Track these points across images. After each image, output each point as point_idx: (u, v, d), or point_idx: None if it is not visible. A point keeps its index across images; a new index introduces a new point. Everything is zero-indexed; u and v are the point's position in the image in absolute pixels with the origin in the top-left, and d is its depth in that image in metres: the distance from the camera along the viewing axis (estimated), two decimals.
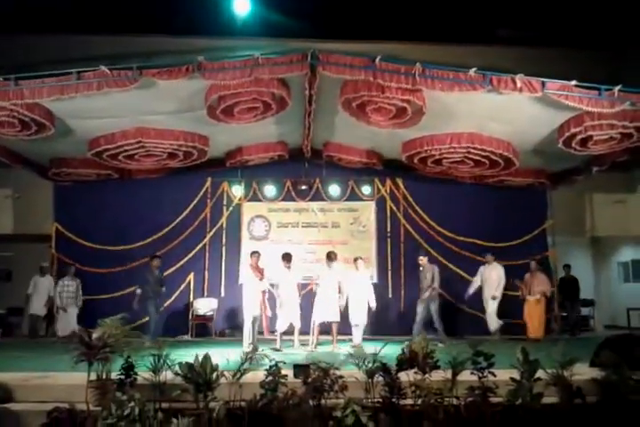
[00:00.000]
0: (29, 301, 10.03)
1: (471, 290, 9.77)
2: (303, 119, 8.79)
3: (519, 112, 7.66)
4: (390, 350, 5.06)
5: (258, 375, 4.95)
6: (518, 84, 6.85)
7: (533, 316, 9.54)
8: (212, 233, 10.86)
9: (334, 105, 7.99)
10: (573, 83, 6.91)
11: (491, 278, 9.69)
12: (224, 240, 10.94)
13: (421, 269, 9.19)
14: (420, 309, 9.03)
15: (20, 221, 11.07)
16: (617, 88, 6.85)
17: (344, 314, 8.58)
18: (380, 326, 9.88)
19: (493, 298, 9.59)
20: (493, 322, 9.59)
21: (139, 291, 8.91)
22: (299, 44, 8.71)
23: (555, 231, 10.93)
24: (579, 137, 7.66)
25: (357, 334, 8.61)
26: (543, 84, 6.90)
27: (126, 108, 7.63)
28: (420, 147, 8.72)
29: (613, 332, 8.49)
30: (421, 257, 9.26)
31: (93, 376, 5.00)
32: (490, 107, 7.58)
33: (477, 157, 8.88)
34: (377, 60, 6.87)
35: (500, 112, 7.74)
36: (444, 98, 7.32)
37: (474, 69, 6.89)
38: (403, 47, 9.62)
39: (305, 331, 8.50)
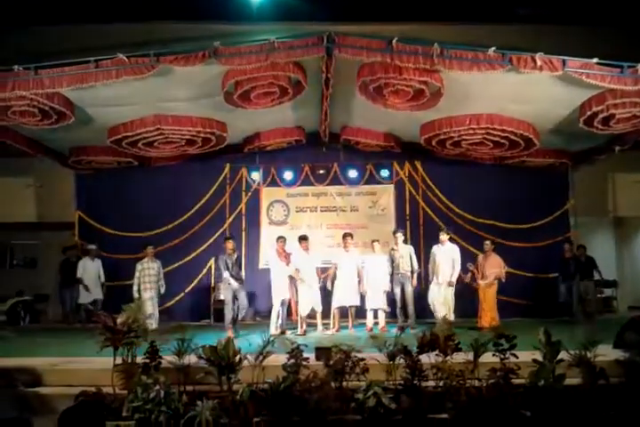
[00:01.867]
0: (76, 287, 9.93)
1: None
2: (320, 103, 8.74)
3: (539, 91, 7.52)
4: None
5: (280, 358, 5.02)
6: (538, 63, 6.70)
7: (486, 302, 8.72)
8: (231, 218, 10.92)
9: (351, 88, 7.92)
10: (595, 60, 6.75)
11: (445, 261, 8.75)
12: (244, 225, 11.01)
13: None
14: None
15: (42, 210, 11.28)
16: None
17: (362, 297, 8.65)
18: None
19: (450, 285, 8.67)
20: (449, 311, 8.53)
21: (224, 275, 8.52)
22: (314, 27, 8.60)
23: (577, 212, 10.80)
24: (601, 116, 7.50)
25: (381, 317, 8.61)
26: (564, 62, 6.75)
27: (144, 96, 7.66)
28: (438, 129, 8.63)
29: (637, 313, 8.44)
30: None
31: (119, 360, 5.12)
32: (509, 87, 7.45)
33: (497, 138, 8.77)
34: (394, 41, 6.76)
35: (520, 92, 7.61)
36: (463, 78, 7.21)
37: (493, 48, 6.76)
38: (419, 28, 9.48)
39: (327, 315, 8.59)
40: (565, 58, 6.76)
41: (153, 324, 8.52)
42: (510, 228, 10.32)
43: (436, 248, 8.99)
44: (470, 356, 4.79)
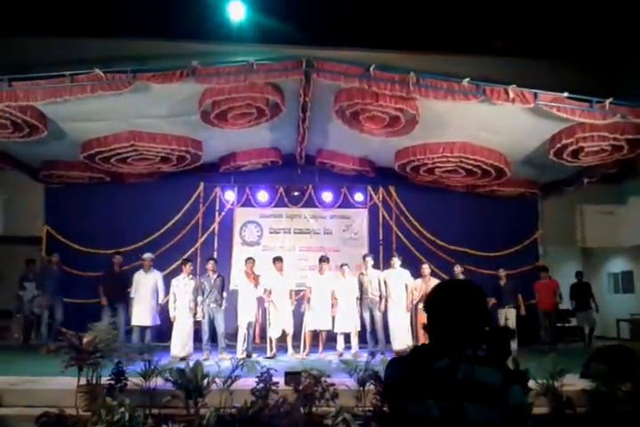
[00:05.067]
0: (129, 306, 8.81)
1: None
2: (297, 126, 8.80)
3: (511, 123, 7.73)
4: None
5: (249, 382, 4.95)
6: (511, 95, 6.91)
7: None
8: (203, 238, 10.81)
9: (328, 112, 8.01)
10: (565, 94, 6.98)
11: (397, 286, 8.74)
12: (216, 245, 10.90)
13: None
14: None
15: (9, 223, 11.00)
16: (608, 101, 6.95)
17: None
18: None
19: (407, 310, 8.70)
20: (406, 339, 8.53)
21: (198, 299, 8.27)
22: (293, 50, 8.73)
23: (545, 241, 11.00)
24: (570, 148, 7.74)
25: (354, 341, 8.54)
26: (535, 95, 6.97)
27: (119, 112, 7.61)
28: (412, 155, 8.75)
29: (603, 343, 8.56)
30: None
31: (83, 381, 4.98)
32: (482, 117, 7.64)
33: (469, 167, 8.93)
34: (371, 68, 6.90)
35: (493, 122, 7.81)
36: (438, 107, 7.38)
37: (467, 79, 6.95)
38: (397, 56, 9.66)
39: (297, 338, 8.51)
40: (537, 91, 6.98)
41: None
42: (480, 255, 10.44)
43: (387, 273, 9.01)
44: None
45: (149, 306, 8.59)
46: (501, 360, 1.48)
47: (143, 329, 8.58)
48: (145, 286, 8.68)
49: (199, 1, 10.84)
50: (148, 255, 9.04)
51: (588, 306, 10.02)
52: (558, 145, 7.72)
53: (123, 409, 4.30)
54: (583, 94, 7.10)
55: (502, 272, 9.59)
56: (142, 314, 8.52)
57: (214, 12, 10.94)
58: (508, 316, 9.30)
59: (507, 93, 6.89)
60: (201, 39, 10.33)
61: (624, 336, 10.89)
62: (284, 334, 8.42)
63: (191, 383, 4.52)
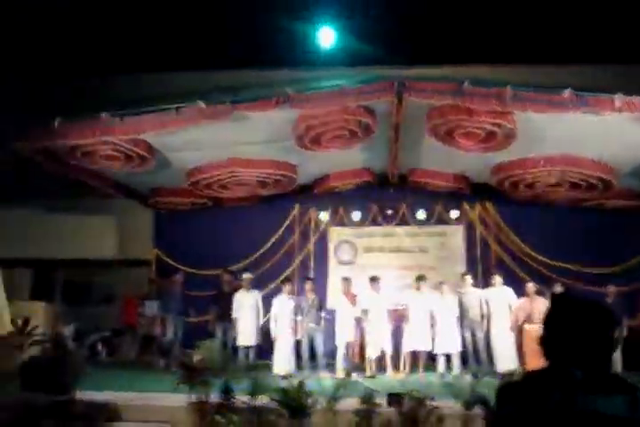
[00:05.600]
0: (229, 327, 8.95)
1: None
2: (389, 146, 8.83)
3: (618, 132, 7.32)
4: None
5: (351, 403, 4.96)
6: (617, 104, 6.54)
7: (536, 349, 8.01)
8: (300, 258, 11.03)
9: (420, 130, 7.97)
10: None
11: (501, 306, 8.49)
12: (312, 265, 11.07)
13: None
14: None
15: (121, 247, 11.80)
16: None
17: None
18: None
19: (512, 330, 8.38)
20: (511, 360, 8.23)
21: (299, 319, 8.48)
22: (383, 71, 8.77)
23: None
24: None
25: (456, 362, 8.35)
26: None
27: (219, 140, 8.01)
28: (511, 170, 8.52)
29: None
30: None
31: (193, 398, 5.21)
32: (585, 128, 7.29)
33: (574, 180, 8.55)
34: (465, 84, 6.81)
35: (597, 133, 7.42)
36: (536, 119, 7.14)
37: (568, 90, 6.67)
38: (490, 70, 9.45)
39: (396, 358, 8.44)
40: None
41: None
42: (587, 272, 9.89)
43: (488, 291, 8.75)
44: None
45: (252, 325, 8.75)
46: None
47: (246, 348, 8.76)
48: (246, 305, 8.84)
49: (289, 30, 11.22)
50: (247, 275, 9.28)
51: None
52: None
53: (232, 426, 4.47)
54: None
55: (612, 288, 8.83)
56: (246, 333, 8.69)
57: (303, 39, 11.29)
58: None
59: (612, 102, 6.54)
60: (292, 66, 10.66)
61: None
62: (382, 354, 8.38)
63: (295, 402, 4.60)
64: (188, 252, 11.02)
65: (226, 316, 8.97)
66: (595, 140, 7.65)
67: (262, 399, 5.00)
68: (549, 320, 1.54)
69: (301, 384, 4.79)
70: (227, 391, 5.05)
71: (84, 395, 5.62)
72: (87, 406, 5.35)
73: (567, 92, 6.66)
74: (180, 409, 5.13)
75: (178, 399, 5.28)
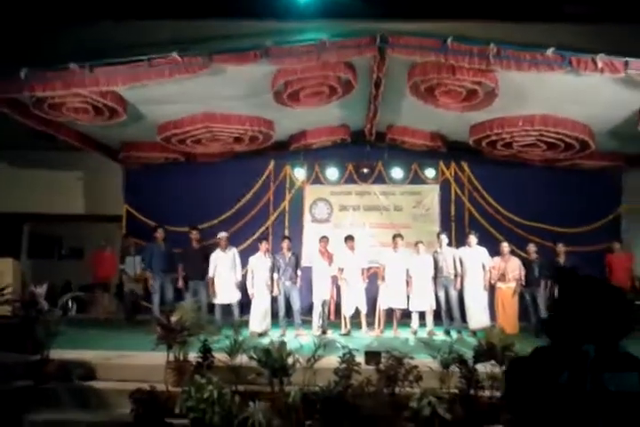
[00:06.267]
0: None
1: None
2: (368, 102, 8.65)
3: (597, 93, 7.28)
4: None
5: (331, 361, 5.01)
6: (599, 65, 6.46)
7: (508, 307, 8.43)
8: (275, 215, 10.95)
9: (401, 87, 7.81)
10: None
11: (475, 265, 8.62)
12: (287, 223, 11.02)
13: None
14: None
15: (90, 203, 11.55)
16: None
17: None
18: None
19: (485, 289, 8.58)
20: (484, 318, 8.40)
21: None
22: (365, 24, 8.46)
23: (629, 217, 10.46)
24: None
25: (429, 320, 8.50)
26: (626, 63, 6.51)
27: (194, 94, 7.70)
28: (489, 130, 8.44)
29: None
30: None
31: (171, 357, 5.19)
32: (566, 88, 7.23)
33: (551, 140, 8.53)
34: (449, 40, 6.63)
35: (577, 93, 7.37)
36: (518, 79, 7.04)
37: (552, 49, 6.55)
38: (474, 26, 9.19)
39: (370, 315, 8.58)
40: (628, 59, 6.51)
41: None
42: (559, 231, 10.07)
43: (463, 251, 8.84)
44: None
45: (231, 283, 8.69)
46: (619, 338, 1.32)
47: (227, 306, 8.72)
48: (224, 264, 8.76)
49: None
50: (222, 235, 9.13)
51: None
52: None
53: (211, 387, 4.46)
54: None
55: (561, 248, 8.88)
56: (225, 292, 8.65)
57: None
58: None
59: (594, 63, 6.45)
60: (270, 17, 10.24)
61: None
62: (357, 312, 8.48)
63: (277, 363, 4.62)
64: (159, 208, 10.81)
65: (197, 273, 8.87)
66: (575, 100, 7.61)
67: (242, 358, 5.01)
68: (559, 299, 1.49)
69: (283, 344, 4.79)
70: (205, 351, 5.04)
71: (58, 354, 5.55)
72: (61, 366, 5.29)
73: (551, 51, 6.56)
74: (158, 368, 5.12)
75: (155, 358, 5.26)
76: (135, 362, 5.60)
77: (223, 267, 8.73)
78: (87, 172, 11.50)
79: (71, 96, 7.20)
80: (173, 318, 5.08)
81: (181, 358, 5.17)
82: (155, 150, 9.85)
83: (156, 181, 10.92)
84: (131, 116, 8.06)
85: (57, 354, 5.51)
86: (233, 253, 8.93)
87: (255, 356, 4.81)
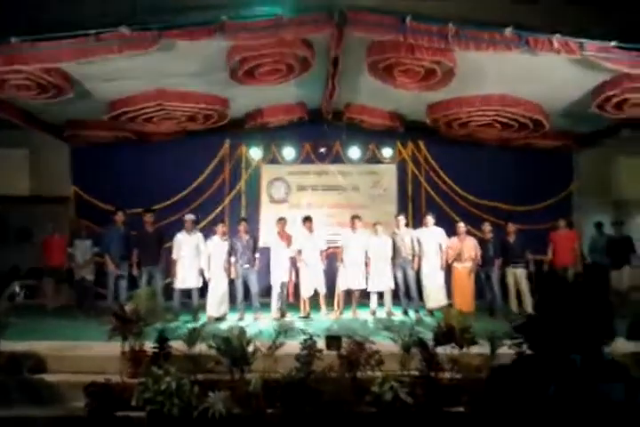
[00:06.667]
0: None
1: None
2: (326, 81, 8.48)
3: (553, 73, 7.32)
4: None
5: (291, 347, 4.95)
6: (555, 46, 6.48)
7: (464, 286, 8.45)
8: (231, 196, 10.74)
9: (359, 66, 7.66)
10: (613, 44, 6.55)
11: (432, 245, 8.68)
12: (243, 203, 10.84)
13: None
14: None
15: (37, 184, 11.04)
16: None
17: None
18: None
19: (442, 269, 8.63)
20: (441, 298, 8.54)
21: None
22: None
23: (580, 195, 10.73)
24: (615, 100, 7.37)
25: (387, 299, 8.53)
26: (581, 45, 6.54)
27: (145, 71, 7.35)
28: (446, 110, 8.44)
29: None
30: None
31: (127, 348, 5.02)
32: (523, 67, 7.24)
33: (506, 120, 8.59)
34: (407, 19, 6.50)
35: (533, 73, 7.40)
36: (476, 58, 7.00)
37: (509, 29, 6.53)
38: (432, 3, 9.13)
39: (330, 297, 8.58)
40: (583, 41, 6.54)
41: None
42: (513, 209, 10.24)
43: (420, 231, 8.88)
44: (486, 348, 4.74)
45: (194, 268, 8.35)
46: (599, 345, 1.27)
47: (185, 291, 8.43)
48: (189, 247, 8.40)
49: None
50: (189, 217, 8.72)
51: (626, 262, 9.20)
52: (602, 96, 7.34)
53: (169, 378, 4.35)
54: (631, 42, 6.66)
55: (511, 227, 8.89)
56: (187, 277, 8.34)
57: None
58: (518, 277, 8.62)
59: (551, 44, 6.46)
60: None
61: None
62: (316, 294, 8.45)
63: (237, 351, 4.52)
64: (110, 189, 10.45)
65: (150, 259, 8.50)
66: (531, 80, 7.64)
67: (200, 347, 4.90)
68: (541, 305, 1.43)
69: (243, 332, 4.70)
70: (162, 340, 4.89)
71: (8, 345, 5.30)
72: (10, 358, 5.06)
73: (509, 31, 6.54)
74: (113, 359, 4.95)
75: (110, 349, 5.08)
76: (89, 353, 5.39)
77: (186, 251, 8.38)
78: (33, 150, 10.95)
79: (13, 72, 6.75)
80: (128, 308, 4.90)
81: (137, 348, 5.01)
82: (103, 129, 9.43)
83: (106, 160, 10.50)
84: (77, 93, 7.66)
85: (5, 346, 5.24)
86: (197, 237, 8.53)
87: (214, 345, 4.69)
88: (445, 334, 4.72)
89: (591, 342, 1.39)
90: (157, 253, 8.60)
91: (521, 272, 8.65)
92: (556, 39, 6.50)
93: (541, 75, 7.44)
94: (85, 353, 5.39)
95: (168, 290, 8.56)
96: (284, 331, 4.87)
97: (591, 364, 1.36)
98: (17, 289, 9.46)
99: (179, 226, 9.09)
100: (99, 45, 6.35)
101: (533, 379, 1.39)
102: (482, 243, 8.76)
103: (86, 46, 6.38)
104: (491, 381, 1.54)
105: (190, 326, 5.10)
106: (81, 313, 8.62)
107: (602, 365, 1.39)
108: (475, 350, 4.80)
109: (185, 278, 8.32)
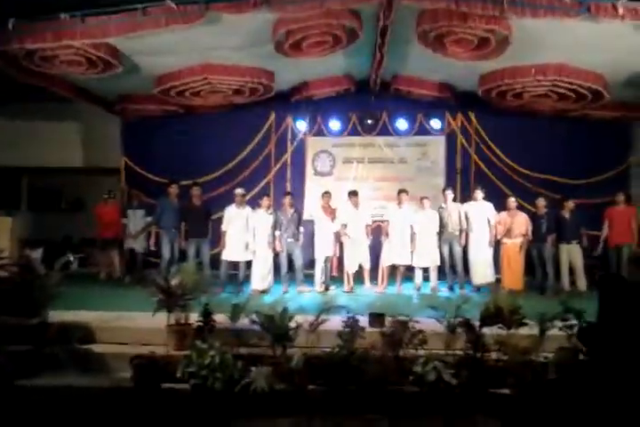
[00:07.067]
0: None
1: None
2: (373, 51, 8.25)
3: (616, 41, 6.89)
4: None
5: (334, 322, 4.95)
6: (620, 11, 6.07)
7: (513, 262, 8.16)
8: (276, 169, 10.73)
9: (408, 36, 7.40)
10: None
11: (480, 220, 8.47)
12: (288, 176, 10.82)
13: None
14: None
15: (89, 155, 11.34)
16: None
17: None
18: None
19: (490, 245, 8.40)
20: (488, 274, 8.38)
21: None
22: None
23: (638, 169, 10.21)
24: None
25: (433, 275, 8.43)
26: None
27: (192, 45, 7.32)
28: (500, 80, 8.08)
29: None
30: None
31: (172, 321, 5.14)
32: (583, 35, 6.83)
33: (564, 91, 8.19)
34: None
35: (594, 41, 6.98)
36: (532, 26, 6.65)
37: None
38: None
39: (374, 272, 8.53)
40: None
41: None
42: (567, 183, 9.85)
43: (468, 206, 8.66)
44: (535, 330, 4.62)
45: (242, 242, 8.30)
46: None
47: (234, 263, 8.46)
48: (238, 221, 8.32)
49: None
50: (239, 191, 8.64)
51: None
52: None
53: (213, 352, 4.42)
54: None
55: (570, 204, 8.49)
56: (235, 249, 8.32)
57: None
58: (573, 254, 8.30)
59: (615, 9, 6.07)
60: None
61: None
62: (360, 269, 8.43)
63: (279, 329, 4.56)
64: (158, 161, 10.61)
65: (197, 232, 8.55)
66: (591, 48, 7.21)
67: (243, 322, 4.96)
68: (602, 312, 1.34)
69: (285, 310, 4.72)
70: (207, 314, 4.98)
71: (58, 315, 5.49)
72: (61, 329, 5.25)
73: None
74: (159, 331, 5.07)
75: (156, 320, 5.17)
76: (135, 325, 5.53)
77: (236, 224, 8.32)
78: (85, 123, 11.26)
79: (63, 48, 6.88)
80: (174, 282, 4.99)
81: (182, 321, 5.11)
82: (152, 103, 9.54)
83: (155, 133, 10.65)
84: (126, 68, 7.74)
85: (56, 316, 5.43)
86: (247, 211, 8.45)
87: (257, 320, 4.74)
88: (493, 316, 4.62)
89: None
90: (205, 225, 8.66)
91: (576, 249, 8.33)
92: (622, 4, 6.09)
93: (603, 42, 7.01)
94: (132, 325, 5.54)
95: (215, 261, 8.69)
96: (327, 309, 4.86)
97: None
98: (71, 258, 9.81)
99: (225, 199, 9.23)
100: (146, 19, 6.36)
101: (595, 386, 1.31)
102: (534, 218, 8.48)
103: (134, 21, 6.40)
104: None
105: (235, 299, 5.13)
106: (130, 283, 8.88)
107: None
108: (523, 331, 4.68)
109: (232, 251, 8.34)
